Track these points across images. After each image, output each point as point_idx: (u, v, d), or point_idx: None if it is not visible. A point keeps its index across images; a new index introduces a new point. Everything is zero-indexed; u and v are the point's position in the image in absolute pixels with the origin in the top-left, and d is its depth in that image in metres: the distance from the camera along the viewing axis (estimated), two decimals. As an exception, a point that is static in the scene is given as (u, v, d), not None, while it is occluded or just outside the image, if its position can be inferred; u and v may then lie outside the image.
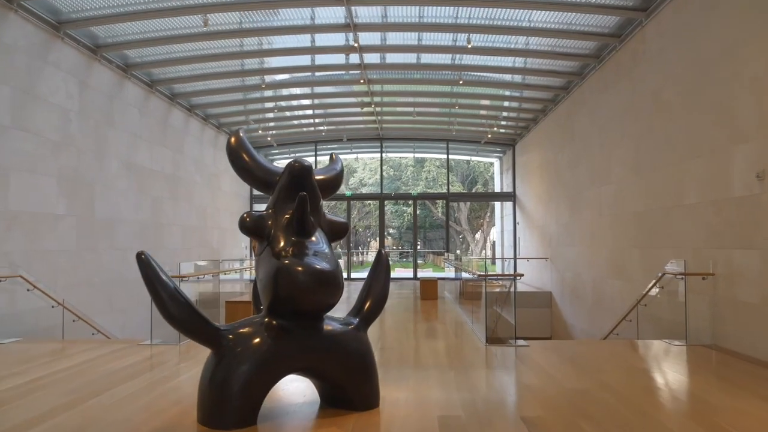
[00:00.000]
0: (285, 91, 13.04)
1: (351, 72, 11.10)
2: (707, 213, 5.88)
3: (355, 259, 27.08)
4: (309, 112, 14.78)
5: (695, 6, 6.23)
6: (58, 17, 7.58)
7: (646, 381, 4.43)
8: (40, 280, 6.90)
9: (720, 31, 5.73)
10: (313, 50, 10.04)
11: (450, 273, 13.02)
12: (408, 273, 17.95)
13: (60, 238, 7.74)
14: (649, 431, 3.07)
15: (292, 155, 17.18)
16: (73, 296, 7.62)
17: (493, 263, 18.59)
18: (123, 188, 9.46)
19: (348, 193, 20.48)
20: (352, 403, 3.33)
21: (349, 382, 3.31)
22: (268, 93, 12.78)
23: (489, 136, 15.63)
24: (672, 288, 6.20)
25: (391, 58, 10.59)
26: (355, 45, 9.13)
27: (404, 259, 29.39)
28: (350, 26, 8.49)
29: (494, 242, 25.84)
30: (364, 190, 29.29)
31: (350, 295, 9.71)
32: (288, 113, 14.92)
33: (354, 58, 9.93)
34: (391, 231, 34.39)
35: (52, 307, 6.90)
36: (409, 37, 9.43)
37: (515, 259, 15.76)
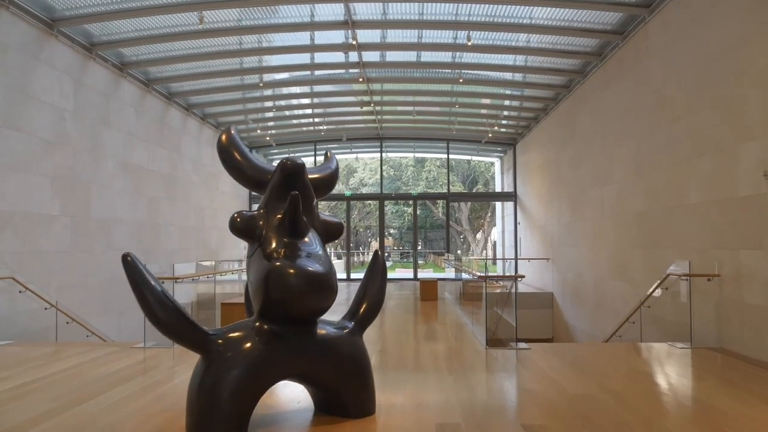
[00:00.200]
0: (284, 90, 12.94)
1: (350, 71, 10.98)
2: (712, 213, 5.76)
3: (355, 259, 27.00)
4: (308, 111, 14.66)
5: (700, 1, 6.10)
6: (51, 14, 7.47)
7: (651, 385, 4.31)
8: (32, 281, 6.79)
9: (725, 27, 5.60)
10: (312, 48, 9.92)
11: (450, 273, 12.91)
12: (408, 273, 17.84)
13: (54, 238, 7.64)
14: (655, 440, 2.96)
15: (291, 155, 17.07)
16: (68, 298, 7.52)
17: (494, 263, 18.48)
18: (119, 188, 9.35)
19: (348, 193, 20.37)
20: (347, 410, 3.22)
21: (343, 389, 3.20)
22: (267, 92, 12.67)
23: (490, 135, 15.51)
24: (676, 289, 6.08)
25: (391, 56, 10.48)
26: (354, 42, 9.02)
27: (405, 260, 29.28)
28: (348, 23, 8.38)
29: (495, 242, 25.72)
30: (365, 190, 29.20)
31: (349, 296, 9.60)
32: (287, 112, 14.81)
33: (353, 56, 9.82)
34: (391, 231, 34.30)
35: (45, 309, 6.80)
36: (409, 35, 9.31)
37: (516, 259, 15.65)
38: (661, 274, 6.27)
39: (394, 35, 9.39)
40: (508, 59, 10.26)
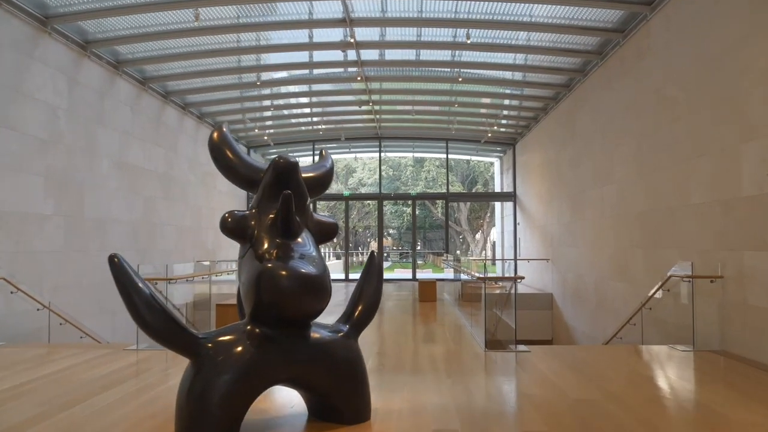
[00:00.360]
0: (282, 89, 12.84)
1: (349, 69, 10.89)
2: (715, 213, 5.67)
3: (354, 259, 26.90)
4: (307, 110, 14.56)
5: (702, -2, 6.01)
6: (45, 11, 7.37)
7: (653, 390, 4.22)
8: (23, 282, 6.70)
9: (729, 25, 5.51)
10: (310, 46, 9.81)
11: (449, 274, 12.83)
12: (407, 274, 17.76)
13: (47, 238, 7.54)
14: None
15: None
16: (62, 298, 7.42)
17: (493, 264, 18.39)
18: (114, 188, 9.25)
19: (347, 193, 20.27)
20: (341, 416, 3.12)
21: (338, 394, 3.10)
22: (266, 91, 12.57)
23: (489, 135, 15.42)
24: (678, 291, 5.99)
25: (390, 54, 10.39)
26: (352, 41, 8.92)
27: (404, 260, 29.19)
28: (347, 21, 8.29)
29: (494, 243, 25.64)
30: (363, 190, 29.13)
31: (348, 297, 9.49)
32: (285, 111, 14.72)
33: (351, 54, 9.73)
34: (390, 231, 34.24)
35: (38, 309, 6.70)
36: (408, 33, 9.22)
37: (516, 259, 15.56)
38: (663, 275, 6.17)
39: (393, 33, 9.30)
40: (507, 58, 10.16)
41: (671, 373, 4.74)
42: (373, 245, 30.77)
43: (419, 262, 20.54)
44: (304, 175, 3.29)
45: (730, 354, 5.25)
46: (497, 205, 19.49)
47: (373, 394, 3.32)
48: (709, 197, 5.80)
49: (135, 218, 9.90)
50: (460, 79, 11.04)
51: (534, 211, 14.34)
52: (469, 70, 10.92)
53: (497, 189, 18.76)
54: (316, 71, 11.58)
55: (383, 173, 20.48)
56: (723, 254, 5.51)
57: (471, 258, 19.98)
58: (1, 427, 3.14)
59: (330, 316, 3.39)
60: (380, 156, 18.12)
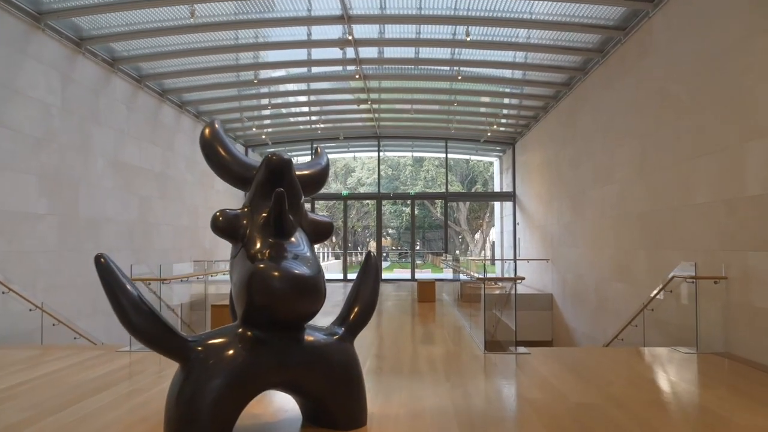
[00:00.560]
0: (280, 87, 12.73)
1: (347, 67, 10.79)
2: (719, 213, 5.58)
3: (353, 259, 26.80)
4: (305, 109, 14.45)
5: (705, -5, 5.92)
6: (38, 7, 7.25)
7: (656, 393, 4.13)
8: (16, 282, 6.58)
9: (732, 22, 5.42)
10: (308, 44, 9.70)
11: (448, 274, 12.74)
12: (406, 274, 17.67)
13: (40, 238, 7.43)
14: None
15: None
16: (56, 298, 7.32)
17: (493, 264, 18.30)
18: (109, 187, 9.13)
19: (345, 192, 20.17)
20: (336, 422, 3.02)
21: (333, 399, 3.01)
22: (263, 89, 12.46)
23: (488, 134, 15.32)
24: (681, 292, 5.90)
25: (389, 52, 10.29)
26: (350, 38, 8.82)
27: (403, 260, 29.09)
28: (344, 18, 8.19)
29: (494, 243, 25.54)
30: (362, 190, 29.02)
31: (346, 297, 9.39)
32: (284, 110, 14.61)
33: (350, 52, 9.63)
34: (389, 231, 34.13)
35: (30, 310, 6.59)
36: (407, 30, 9.12)
37: (515, 260, 15.47)
38: (665, 275, 6.08)
39: (392, 30, 9.20)
40: (507, 56, 10.06)
41: (674, 375, 4.65)
42: (372, 245, 30.68)
43: (418, 262, 20.46)
44: (298, 172, 3.20)
45: (734, 356, 5.16)
46: (497, 205, 19.40)
47: (369, 397, 3.23)
48: (712, 197, 5.71)
49: (131, 218, 9.79)
50: (459, 78, 10.95)
51: (534, 211, 14.25)
52: (468, 69, 10.82)
53: (497, 189, 18.67)
54: (314, 69, 11.48)
55: (382, 173, 20.39)
56: (727, 255, 5.42)
57: (470, 258, 19.88)
58: (-13, 432, 3.05)
59: (327, 317, 3.29)
60: (379, 155, 18.04)
